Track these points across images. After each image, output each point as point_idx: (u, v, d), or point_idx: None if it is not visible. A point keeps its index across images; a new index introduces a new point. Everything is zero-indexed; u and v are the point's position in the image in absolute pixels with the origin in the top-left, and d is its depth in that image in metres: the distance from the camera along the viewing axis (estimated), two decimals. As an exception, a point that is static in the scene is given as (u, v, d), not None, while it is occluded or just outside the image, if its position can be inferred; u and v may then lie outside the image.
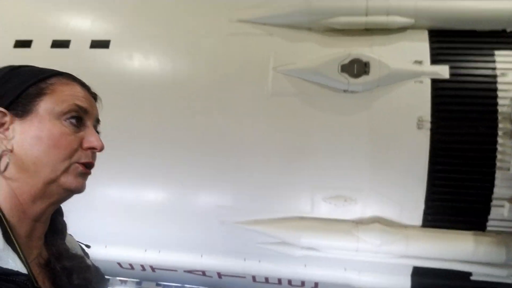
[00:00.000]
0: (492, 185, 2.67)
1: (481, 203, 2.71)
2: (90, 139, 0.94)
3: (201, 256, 3.16)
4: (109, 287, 3.91)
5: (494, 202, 2.69)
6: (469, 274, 2.91)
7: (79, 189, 0.94)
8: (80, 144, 0.93)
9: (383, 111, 2.75)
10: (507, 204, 2.67)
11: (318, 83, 2.81)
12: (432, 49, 2.80)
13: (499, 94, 2.67)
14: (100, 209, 2.99)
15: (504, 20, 2.79)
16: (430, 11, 2.81)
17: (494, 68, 2.72)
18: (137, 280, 4.42)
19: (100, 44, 3.13)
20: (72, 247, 1.03)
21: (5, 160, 0.87)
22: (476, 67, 2.74)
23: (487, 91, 2.69)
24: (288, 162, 2.86)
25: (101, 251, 3.04)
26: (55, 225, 1.00)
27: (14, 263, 0.77)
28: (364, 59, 2.74)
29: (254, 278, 3.36)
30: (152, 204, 3.03)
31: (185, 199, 2.99)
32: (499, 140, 2.65)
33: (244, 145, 2.86)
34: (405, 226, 2.82)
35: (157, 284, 7.42)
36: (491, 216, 2.72)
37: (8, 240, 0.80)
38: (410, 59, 2.79)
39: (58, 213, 1.04)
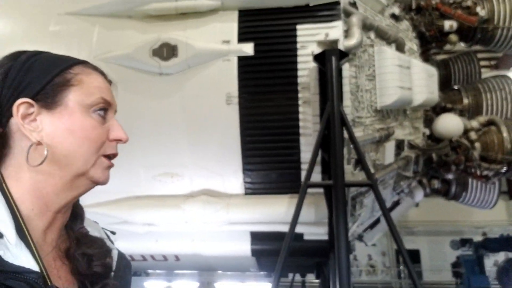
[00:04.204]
0: (298, 150, 2.88)
1: (292, 168, 2.92)
2: (116, 131, 0.94)
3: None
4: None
5: (303, 166, 2.91)
6: (302, 235, 3.15)
7: (105, 182, 0.94)
8: (106, 136, 0.92)
9: (195, 91, 2.92)
10: (315, 168, 2.89)
11: (136, 68, 2.96)
12: (239, 28, 2.96)
13: (299, 66, 2.86)
14: None
15: (308, -6, 2.95)
16: (235, -8, 2.95)
17: (295, 42, 2.89)
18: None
19: None
20: (92, 230, 1.01)
21: (41, 153, 0.84)
22: (278, 42, 2.91)
23: (288, 64, 2.87)
24: (119, 146, 3.02)
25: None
26: (74, 211, 0.98)
27: (26, 260, 0.76)
28: (173, 42, 2.89)
29: (120, 257, 3.56)
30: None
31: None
32: (300, 108, 2.85)
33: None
34: (230, 196, 3.03)
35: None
36: (302, 179, 2.94)
37: (21, 235, 0.78)
38: (219, 39, 2.95)
39: None
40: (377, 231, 4.13)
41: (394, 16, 3.69)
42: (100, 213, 3.11)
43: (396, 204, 4.31)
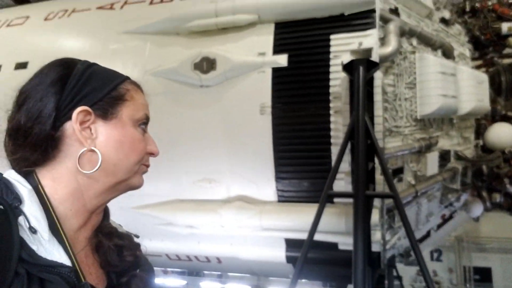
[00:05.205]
0: (330, 160, 2.89)
1: (324, 178, 2.92)
2: (151, 145, 1.02)
3: (113, 237, 3.70)
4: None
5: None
6: (336, 244, 3.14)
7: (140, 187, 1.02)
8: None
9: (232, 102, 3.08)
10: (345, 177, 2.89)
11: (180, 81, 3.20)
12: (275, 40, 3.06)
13: (331, 76, 2.88)
14: None
15: (342, 4, 2.96)
16: (271, 5, 3.06)
17: (328, 52, 2.92)
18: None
19: (21, 65, 3.78)
20: (118, 227, 1.07)
21: (90, 159, 0.90)
22: (311, 53, 2.96)
23: (321, 74, 2.90)
24: (165, 153, 3.27)
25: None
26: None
27: (59, 255, 0.79)
28: (212, 56, 3.08)
29: (168, 256, 3.84)
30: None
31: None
32: (332, 118, 2.86)
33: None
34: (264, 202, 3.13)
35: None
36: (335, 189, 2.93)
37: (55, 232, 0.82)
38: (255, 51, 3.08)
39: None
40: (426, 245, 3.93)
41: (443, 21, 3.52)
42: (148, 215, 3.41)
43: (449, 218, 4.06)
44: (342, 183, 2.89)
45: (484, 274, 8.44)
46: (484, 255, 8.47)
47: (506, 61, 4.46)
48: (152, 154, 1.02)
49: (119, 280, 0.97)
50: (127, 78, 1.02)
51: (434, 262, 8.68)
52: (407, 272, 7.51)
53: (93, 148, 0.90)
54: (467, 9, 3.67)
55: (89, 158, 0.90)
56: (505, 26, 3.61)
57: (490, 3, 3.62)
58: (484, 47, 3.74)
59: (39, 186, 0.87)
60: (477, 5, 3.64)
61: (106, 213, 1.04)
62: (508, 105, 3.90)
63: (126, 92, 0.97)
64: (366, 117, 2.43)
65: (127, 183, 0.97)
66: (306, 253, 2.44)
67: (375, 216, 2.85)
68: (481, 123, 3.57)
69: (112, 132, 0.93)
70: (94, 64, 1.00)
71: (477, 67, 4.11)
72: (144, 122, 1.00)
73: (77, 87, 0.92)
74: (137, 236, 1.10)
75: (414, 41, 3.14)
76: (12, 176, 0.86)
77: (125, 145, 0.94)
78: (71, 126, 0.89)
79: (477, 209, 4.11)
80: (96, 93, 0.93)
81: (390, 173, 2.93)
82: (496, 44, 3.68)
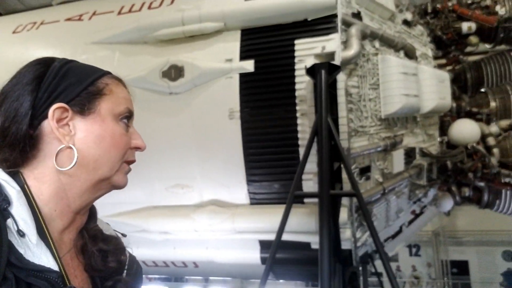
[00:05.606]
0: (298, 161, 2.95)
1: (293, 179, 2.99)
2: (136, 139, 1.00)
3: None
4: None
5: (304, 177, 2.97)
6: (309, 244, 3.21)
7: (124, 186, 0.99)
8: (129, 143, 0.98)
9: (201, 108, 3.12)
10: (313, 178, 2.96)
11: (149, 89, 3.23)
12: (241, 46, 3.12)
13: (297, 79, 2.95)
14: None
15: (306, 10, 3.04)
16: (236, 13, 3.12)
17: (293, 57, 2.99)
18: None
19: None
20: (106, 230, 1.04)
21: (70, 156, 0.88)
22: (277, 58, 3.03)
23: (286, 78, 2.97)
24: (136, 160, 3.30)
25: None
26: (89, 210, 1.01)
27: (46, 259, 0.78)
28: (180, 64, 3.12)
29: (145, 263, 3.85)
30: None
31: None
32: (299, 121, 2.93)
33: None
34: (236, 206, 3.18)
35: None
36: (305, 189, 3.01)
37: (42, 235, 0.81)
38: (223, 58, 3.13)
39: None
40: (399, 240, 4.04)
41: (406, 22, 3.64)
42: (122, 222, 3.41)
43: (420, 213, 4.18)
44: (311, 183, 2.96)
45: (462, 267, 8.67)
46: (461, 248, 8.71)
47: (472, 58, 4.63)
48: (138, 148, 1.01)
49: (103, 284, 0.97)
50: (108, 72, 1.00)
51: (413, 257, 8.90)
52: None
53: (71, 144, 0.88)
54: (429, 10, 3.80)
55: (68, 155, 0.88)
56: (465, 26, 3.76)
57: (450, 4, 3.75)
58: (447, 46, 3.87)
59: (25, 186, 0.86)
60: (438, 6, 3.78)
61: (92, 214, 1.02)
62: (472, 101, 4.05)
63: (105, 86, 0.95)
64: (329, 118, 2.51)
65: (109, 181, 0.94)
66: (274, 253, 2.50)
67: (344, 215, 2.93)
68: (445, 120, 3.70)
69: (92, 127, 0.91)
70: (72, 61, 0.98)
71: (443, 66, 4.25)
72: (126, 116, 0.98)
73: (53, 84, 0.90)
74: (124, 235, 1.09)
75: (377, 43, 3.23)
76: (0, 176, 0.83)
77: (106, 140, 0.91)
78: (49, 124, 0.88)
79: (447, 203, 4.24)
80: (72, 89, 0.91)
81: (354, 172, 3.01)
82: (457, 43, 3.82)
